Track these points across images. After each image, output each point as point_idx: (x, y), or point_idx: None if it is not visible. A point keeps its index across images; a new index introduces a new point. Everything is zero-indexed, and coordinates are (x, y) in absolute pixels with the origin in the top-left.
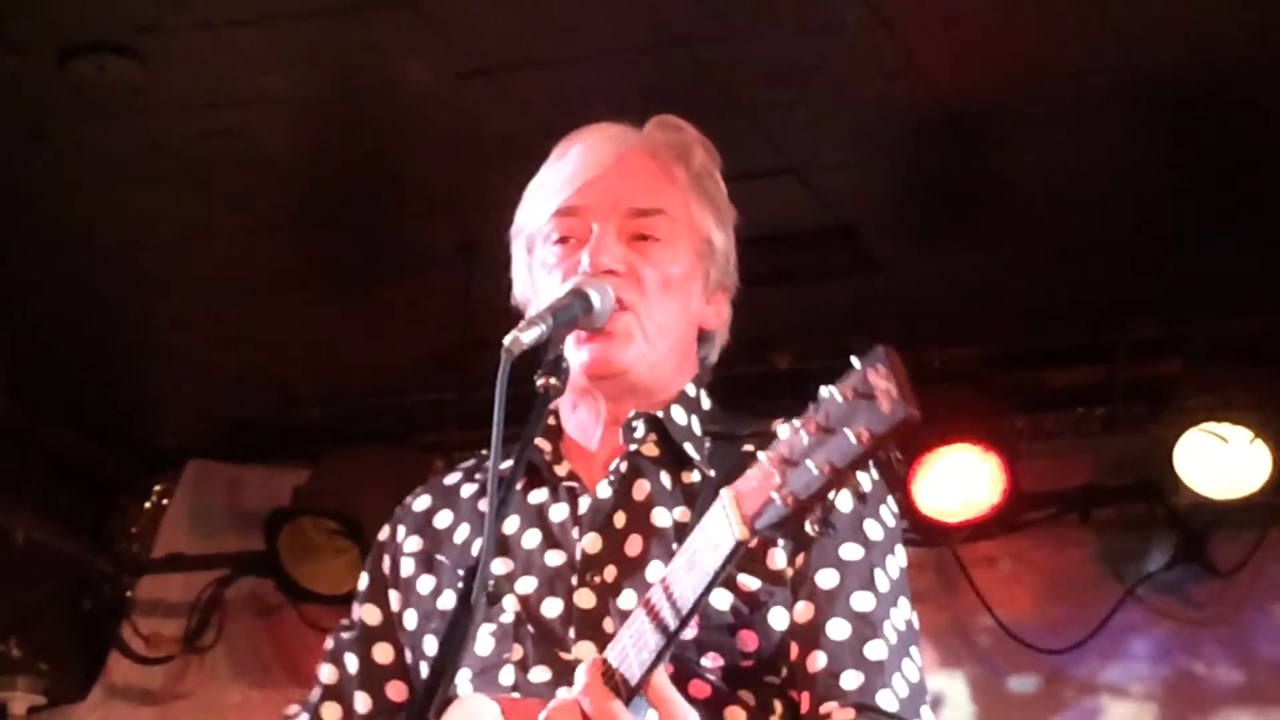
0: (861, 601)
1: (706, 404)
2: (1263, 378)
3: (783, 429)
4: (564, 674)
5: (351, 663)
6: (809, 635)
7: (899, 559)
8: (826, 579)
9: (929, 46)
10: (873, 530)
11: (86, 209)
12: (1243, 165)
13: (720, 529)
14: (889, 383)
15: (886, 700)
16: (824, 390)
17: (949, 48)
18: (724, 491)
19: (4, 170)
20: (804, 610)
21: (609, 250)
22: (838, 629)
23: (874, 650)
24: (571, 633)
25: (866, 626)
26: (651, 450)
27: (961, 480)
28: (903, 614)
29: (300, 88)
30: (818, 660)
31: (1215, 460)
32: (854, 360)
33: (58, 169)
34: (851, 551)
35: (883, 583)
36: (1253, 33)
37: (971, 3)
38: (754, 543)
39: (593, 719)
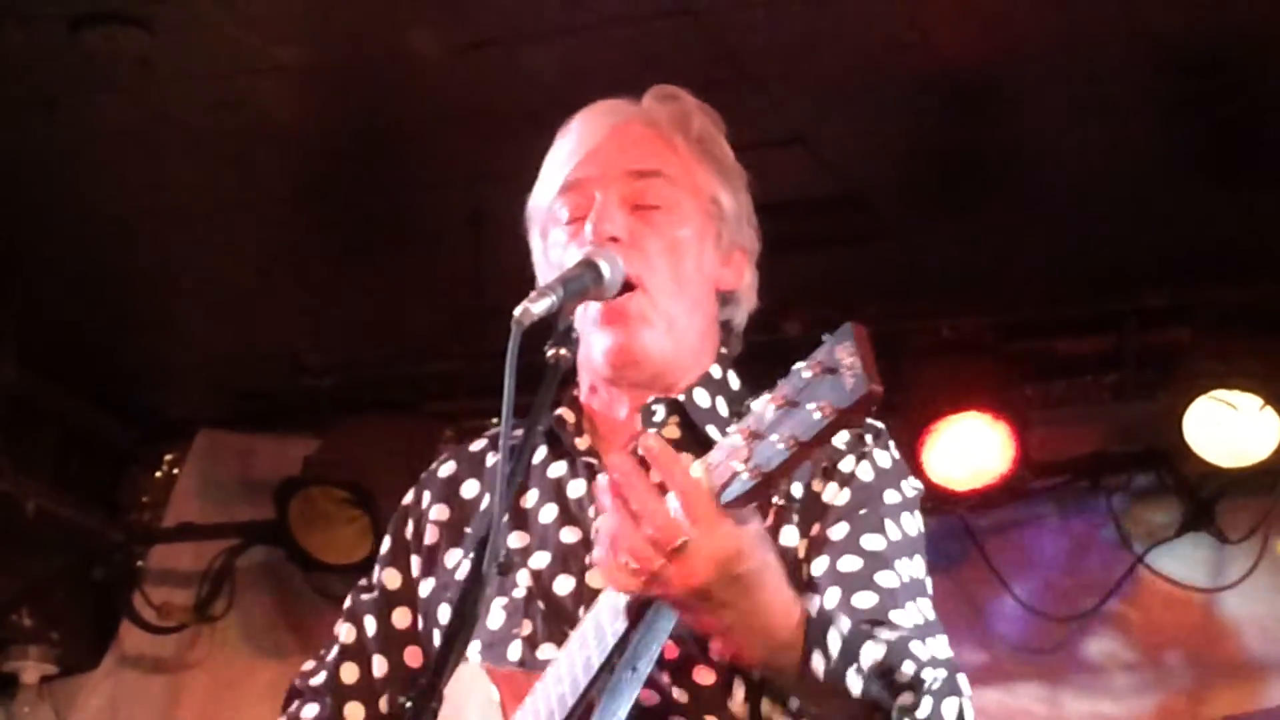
0: (872, 542)
1: (735, 384)
2: (1272, 345)
3: (756, 403)
4: None
5: (370, 625)
6: (823, 578)
7: (915, 521)
8: (838, 531)
9: (936, 14)
10: (890, 496)
11: (96, 179)
12: (1251, 133)
13: None
14: (854, 358)
15: (901, 618)
16: (795, 365)
17: (957, 16)
18: (696, 463)
19: (15, 141)
20: (820, 563)
21: (610, 218)
22: (848, 564)
23: (886, 579)
24: (582, 611)
25: (877, 561)
26: (673, 433)
27: (971, 448)
28: (917, 567)
29: (310, 58)
30: (832, 595)
31: (1225, 428)
32: (824, 337)
33: (68, 139)
34: (864, 511)
35: (894, 532)
36: (1261, 1)
37: None
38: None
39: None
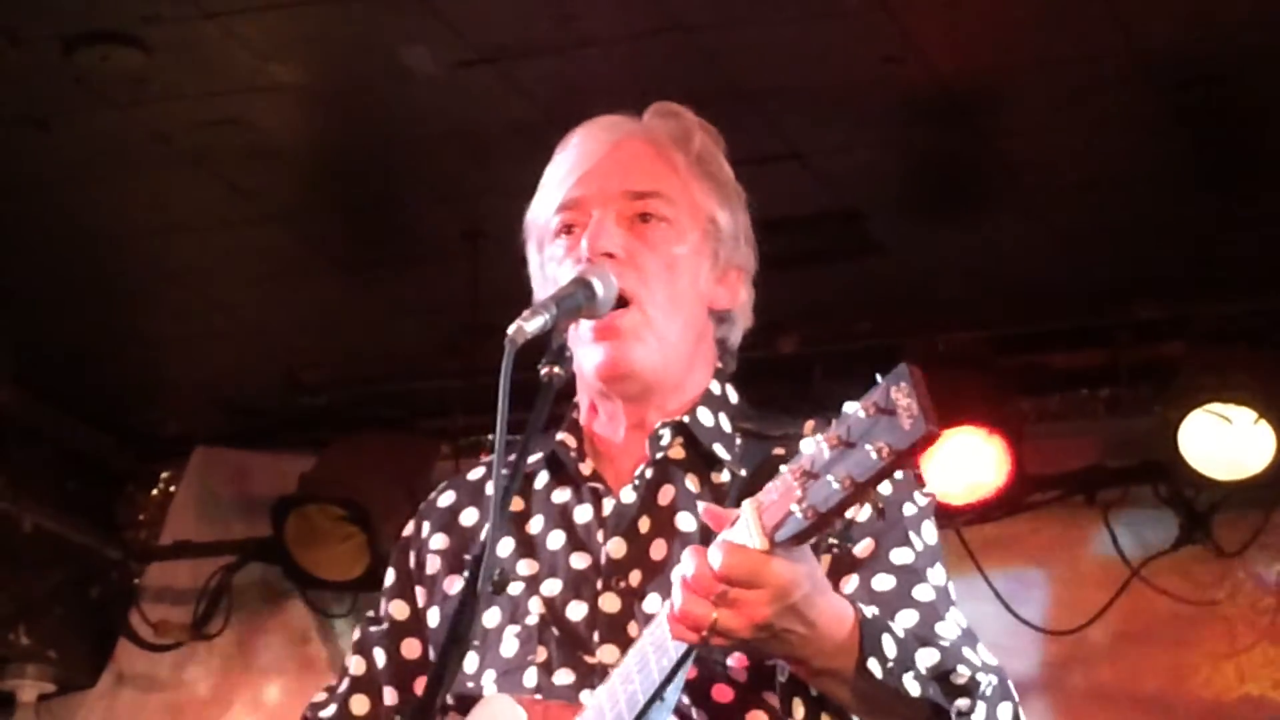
0: (901, 556)
1: (734, 399)
2: (1266, 359)
3: (806, 443)
4: (588, 676)
5: (380, 657)
6: (857, 599)
7: (933, 530)
8: (864, 548)
9: (929, 29)
10: (908, 509)
11: (91, 198)
12: (1244, 146)
13: (741, 540)
14: (910, 399)
15: (945, 630)
16: (847, 405)
17: (949, 30)
18: (746, 503)
19: (9, 160)
20: (848, 582)
21: (606, 234)
22: (883, 582)
23: (922, 593)
24: (596, 636)
25: (911, 575)
26: (678, 453)
27: (966, 463)
28: (940, 576)
29: (304, 76)
30: (870, 613)
31: (1219, 441)
32: (878, 376)
33: (62, 158)
34: (888, 526)
35: (918, 543)
36: (1253, 14)
37: None
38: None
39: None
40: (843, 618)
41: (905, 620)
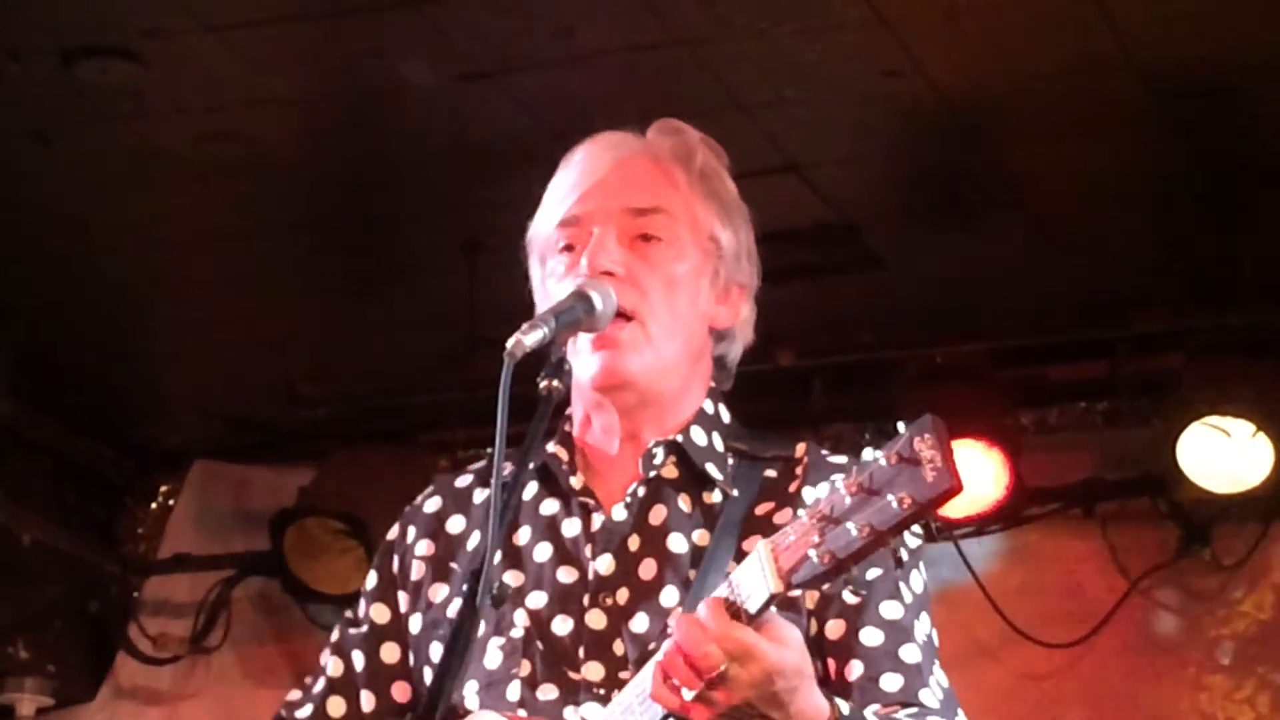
0: (890, 610)
1: (726, 418)
2: (1265, 371)
3: (823, 487)
4: (572, 692)
5: (358, 660)
6: (843, 648)
7: (922, 576)
8: (853, 596)
9: (929, 43)
10: (901, 553)
11: (89, 211)
12: (1243, 158)
13: (755, 580)
14: (935, 451)
15: (928, 698)
16: (868, 452)
17: (949, 44)
18: (761, 544)
19: (7, 173)
20: (835, 627)
21: (606, 252)
22: (871, 636)
23: (908, 653)
24: (581, 652)
25: (898, 632)
26: (670, 472)
27: (965, 475)
28: (925, 627)
29: (302, 90)
30: (855, 669)
31: (1218, 454)
32: (900, 426)
33: (61, 172)
34: (875, 572)
35: (907, 594)
36: (1252, 26)
37: None
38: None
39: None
40: (819, 711)
41: (889, 684)
